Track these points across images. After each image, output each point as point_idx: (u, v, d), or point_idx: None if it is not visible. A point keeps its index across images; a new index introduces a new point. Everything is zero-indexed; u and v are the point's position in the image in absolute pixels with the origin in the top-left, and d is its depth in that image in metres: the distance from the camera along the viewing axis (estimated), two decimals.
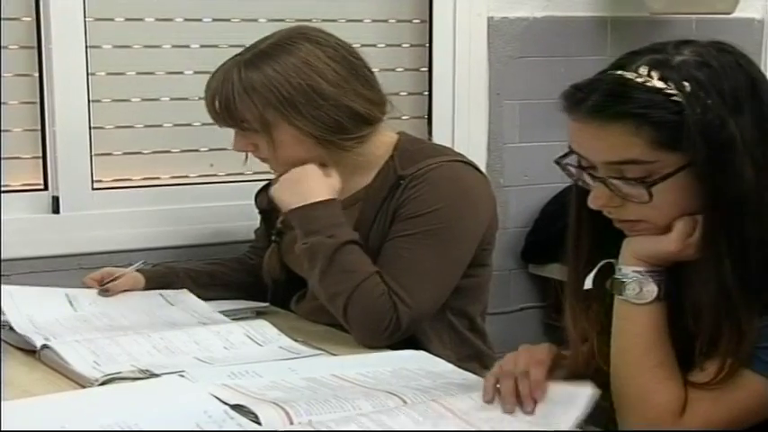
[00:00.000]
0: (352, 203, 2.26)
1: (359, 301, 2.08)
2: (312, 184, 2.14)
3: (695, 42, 1.64)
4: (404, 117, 2.93)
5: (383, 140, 2.28)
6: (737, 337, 1.59)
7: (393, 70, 2.95)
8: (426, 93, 3.03)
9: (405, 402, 1.64)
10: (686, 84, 1.55)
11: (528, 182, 3.14)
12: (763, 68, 1.82)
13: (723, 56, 1.62)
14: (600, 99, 1.59)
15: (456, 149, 2.91)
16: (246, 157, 2.31)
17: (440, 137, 2.98)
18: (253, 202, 2.48)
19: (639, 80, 1.56)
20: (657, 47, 1.64)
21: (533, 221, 3.18)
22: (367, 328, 2.09)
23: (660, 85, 1.55)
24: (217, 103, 2.17)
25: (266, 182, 2.44)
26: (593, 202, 1.64)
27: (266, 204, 2.42)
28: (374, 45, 2.91)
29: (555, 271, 3.00)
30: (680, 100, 1.54)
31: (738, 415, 1.63)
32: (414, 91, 3.01)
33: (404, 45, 2.98)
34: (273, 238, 2.39)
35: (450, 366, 1.88)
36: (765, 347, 1.59)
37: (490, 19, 3.01)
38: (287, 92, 2.15)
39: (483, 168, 2.95)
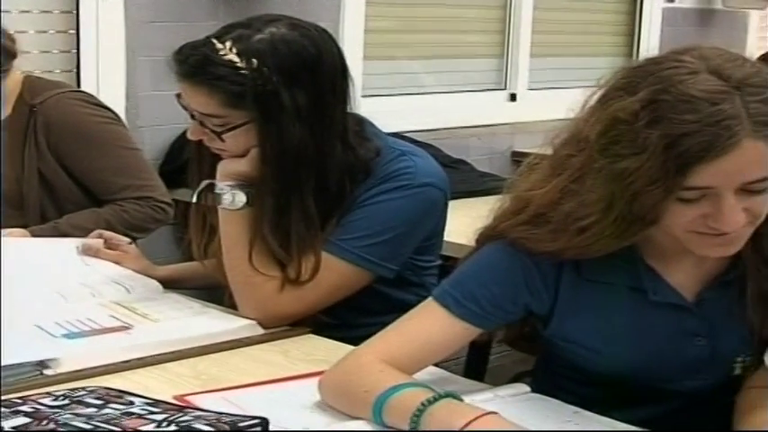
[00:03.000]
0: None
1: (130, 224, 2.40)
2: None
3: (283, 21, 1.75)
4: (56, 71, 3.19)
5: (14, 78, 2.55)
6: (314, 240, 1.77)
7: (46, 32, 3.18)
8: (74, 51, 3.20)
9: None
10: (254, 60, 1.70)
11: (159, 122, 3.28)
12: (341, 41, 2.03)
13: (296, 37, 1.73)
14: (188, 67, 1.73)
15: (101, 96, 3.01)
16: None
17: (87, 86, 3.13)
18: None
19: (222, 53, 1.70)
20: (250, 22, 1.75)
21: (164, 154, 3.33)
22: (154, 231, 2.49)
23: (235, 59, 1.70)
24: None
25: None
26: (189, 135, 1.81)
27: None
28: (30, 11, 3.14)
29: (183, 194, 2.75)
30: (246, 73, 1.69)
31: (327, 292, 1.82)
32: (64, 49, 3.21)
33: (55, 11, 3.19)
34: None
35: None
36: (346, 239, 1.81)
37: None
38: None
39: (123, 113, 3.13)
